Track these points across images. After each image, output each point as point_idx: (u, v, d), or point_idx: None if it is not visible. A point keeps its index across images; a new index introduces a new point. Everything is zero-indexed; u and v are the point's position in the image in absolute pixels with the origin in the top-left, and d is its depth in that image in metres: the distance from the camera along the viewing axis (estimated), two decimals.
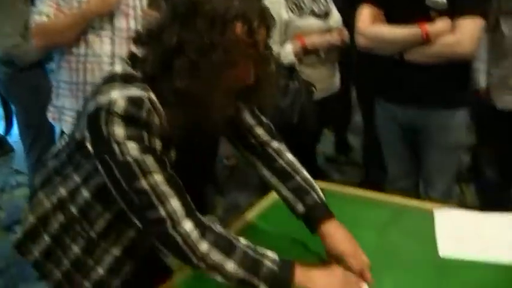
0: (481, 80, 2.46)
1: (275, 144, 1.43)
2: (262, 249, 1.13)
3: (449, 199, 2.47)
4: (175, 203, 1.07)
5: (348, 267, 1.24)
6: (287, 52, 2.54)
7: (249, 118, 1.41)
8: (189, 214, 1.09)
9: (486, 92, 2.45)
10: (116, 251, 1.27)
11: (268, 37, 1.17)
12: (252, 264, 1.09)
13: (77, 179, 1.23)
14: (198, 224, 1.09)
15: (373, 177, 3.32)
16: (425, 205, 1.68)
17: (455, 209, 1.63)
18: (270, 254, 1.13)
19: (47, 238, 1.27)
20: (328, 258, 1.31)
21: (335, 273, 1.19)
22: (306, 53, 2.59)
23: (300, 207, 1.35)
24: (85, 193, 1.22)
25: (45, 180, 1.31)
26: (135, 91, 1.08)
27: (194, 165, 1.30)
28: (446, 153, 2.33)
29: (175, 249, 1.08)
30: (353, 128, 4.65)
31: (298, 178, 1.39)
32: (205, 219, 1.12)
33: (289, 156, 1.43)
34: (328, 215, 1.34)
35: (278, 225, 1.54)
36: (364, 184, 2.98)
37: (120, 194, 1.09)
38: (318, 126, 2.94)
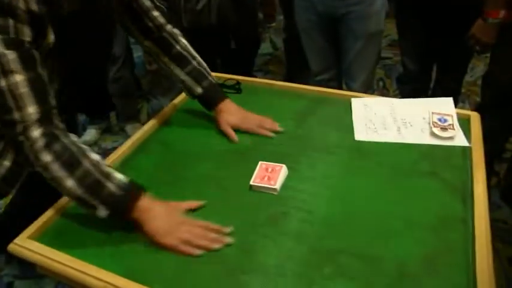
0: None
1: (169, 27, 1.46)
2: (111, 170, 1.08)
3: (370, 90, 2.51)
4: (31, 108, 1.02)
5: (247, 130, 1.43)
6: None
7: (146, 1, 1.40)
8: (42, 121, 1.03)
9: None
10: (6, 163, 1.21)
11: None
12: (92, 184, 1.04)
13: None
14: (47, 133, 1.04)
15: (295, 73, 3.29)
16: (344, 95, 1.67)
17: (372, 97, 1.64)
18: (119, 176, 1.07)
19: None
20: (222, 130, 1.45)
21: (174, 215, 1.10)
22: None
23: (198, 89, 1.46)
24: None
25: None
26: None
27: (83, 52, 1.22)
28: (367, 41, 2.33)
29: (21, 153, 1.05)
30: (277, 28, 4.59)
31: (194, 63, 1.46)
32: (61, 129, 1.08)
33: (183, 40, 1.48)
34: (223, 96, 1.49)
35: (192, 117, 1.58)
36: (287, 80, 2.97)
37: None
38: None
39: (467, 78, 3.61)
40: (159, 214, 1.08)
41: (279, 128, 1.44)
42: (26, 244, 1.08)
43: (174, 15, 2.19)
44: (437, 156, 1.33)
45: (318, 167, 1.29)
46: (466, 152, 1.34)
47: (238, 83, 1.69)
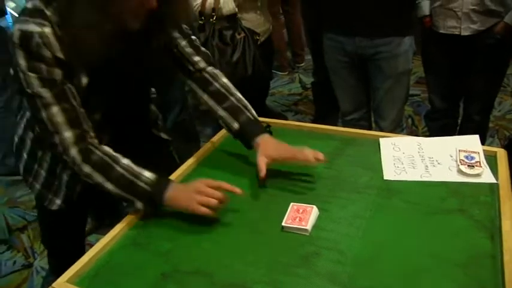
0: (425, 7, 2.49)
1: (211, 69, 1.55)
2: (140, 170, 1.29)
3: (399, 128, 2.55)
4: (67, 133, 1.25)
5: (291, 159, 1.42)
6: (226, 1, 2.40)
7: (187, 48, 1.51)
8: (77, 142, 1.27)
9: (430, 19, 2.48)
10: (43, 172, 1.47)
11: None
12: (127, 184, 1.27)
13: None
14: (83, 150, 1.27)
15: (324, 117, 3.34)
16: (373, 135, 1.72)
17: (400, 136, 1.68)
18: (147, 174, 1.29)
19: (25, 155, 1.49)
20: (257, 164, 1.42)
21: (189, 186, 1.30)
22: None
23: (235, 125, 1.49)
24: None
25: (19, 104, 1.47)
26: (30, 26, 1.17)
27: (120, 92, 1.38)
28: (395, 80, 2.38)
29: (68, 167, 1.31)
30: (306, 67, 4.68)
31: (232, 99, 1.51)
32: (95, 144, 1.30)
33: (224, 80, 1.55)
34: (261, 130, 1.48)
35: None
36: (316, 121, 3.02)
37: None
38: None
39: (496, 113, 3.62)
40: (182, 195, 1.28)
41: (321, 157, 1.39)
42: None
43: None
44: (465, 193, 1.35)
45: (348, 207, 1.33)
46: (493, 188, 1.36)
47: (268, 126, 1.75)
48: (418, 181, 1.43)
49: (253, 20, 2.47)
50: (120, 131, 1.42)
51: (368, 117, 2.68)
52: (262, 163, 1.40)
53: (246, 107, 1.51)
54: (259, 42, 2.48)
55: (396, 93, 2.43)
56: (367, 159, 1.55)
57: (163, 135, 1.73)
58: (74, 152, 1.26)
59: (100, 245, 1.25)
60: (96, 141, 1.31)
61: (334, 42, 2.44)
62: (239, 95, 1.53)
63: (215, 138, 1.75)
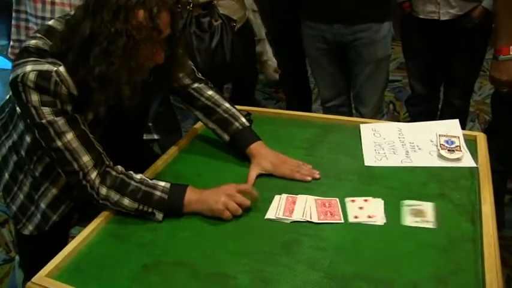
0: None
1: (195, 85, 1.58)
2: (155, 182, 1.31)
3: (380, 114, 2.56)
4: (85, 158, 1.27)
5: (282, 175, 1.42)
6: None
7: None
8: (97, 164, 1.29)
9: (409, 4, 2.47)
10: (54, 190, 1.43)
11: (173, 19, 1.28)
12: (143, 196, 1.28)
13: (21, 125, 1.40)
14: (101, 173, 1.29)
15: (296, 105, 3.23)
16: (354, 121, 1.72)
17: (381, 122, 1.68)
18: (162, 184, 1.31)
19: (6, 175, 1.50)
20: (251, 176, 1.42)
21: (219, 189, 1.30)
22: None
23: (226, 137, 1.53)
24: (28, 138, 1.39)
25: (4, 124, 1.49)
26: (45, 66, 1.21)
27: (124, 121, 1.40)
28: (375, 66, 2.38)
29: (85, 193, 1.29)
30: None
31: (219, 111, 1.55)
32: (110, 165, 1.32)
33: (209, 92, 1.58)
34: (251, 138, 1.50)
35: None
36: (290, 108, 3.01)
37: (44, 150, 1.31)
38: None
39: (476, 97, 3.65)
40: (207, 197, 1.29)
41: (317, 175, 1.41)
42: (44, 282, 1.12)
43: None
44: (446, 178, 1.36)
45: (330, 194, 1.33)
46: (473, 172, 1.37)
47: (249, 113, 1.74)
48: (399, 166, 1.44)
49: (229, 6, 2.43)
50: (116, 146, 1.42)
51: (348, 104, 2.67)
52: (253, 175, 1.43)
53: (233, 117, 1.53)
54: (236, 29, 2.45)
55: (376, 79, 2.43)
56: (347, 146, 1.55)
57: (151, 136, 1.74)
58: (93, 175, 1.28)
59: (80, 238, 1.24)
60: (111, 162, 1.33)
61: (313, 30, 2.42)
62: (226, 104, 1.56)
63: (197, 125, 1.74)
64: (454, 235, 1.14)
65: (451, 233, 1.15)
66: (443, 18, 2.37)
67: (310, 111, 3.11)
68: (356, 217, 1.24)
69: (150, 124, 1.75)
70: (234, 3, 2.46)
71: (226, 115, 1.53)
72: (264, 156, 1.46)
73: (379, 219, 1.22)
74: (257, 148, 1.48)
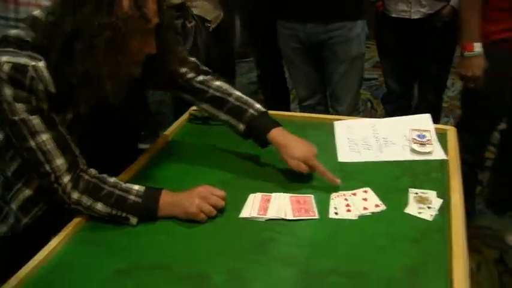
0: None
1: (200, 77, 1.49)
2: (129, 185, 1.27)
3: (356, 111, 2.59)
4: (59, 160, 1.21)
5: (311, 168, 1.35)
6: None
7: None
8: (71, 168, 1.23)
9: (382, 3, 2.51)
10: (27, 191, 1.35)
11: (160, 7, 1.21)
12: (117, 201, 1.24)
13: None
14: (74, 177, 1.24)
15: (274, 105, 3.29)
16: (329, 119, 1.75)
17: (353, 119, 1.70)
18: (136, 187, 1.27)
19: None
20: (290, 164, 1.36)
21: (193, 191, 1.27)
22: None
23: (241, 127, 1.41)
24: (1, 135, 1.34)
25: None
26: (22, 59, 1.14)
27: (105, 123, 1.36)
28: (350, 64, 2.42)
29: (56, 197, 1.24)
30: None
31: (231, 99, 1.43)
32: (85, 169, 1.26)
33: (217, 82, 1.48)
34: (269, 124, 1.40)
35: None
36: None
37: (15, 149, 1.26)
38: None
39: (449, 93, 3.74)
40: (181, 200, 1.26)
41: (338, 182, 1.33)
42: None
43: None
44: (418, 171, 1.39)
45: (304, 192, 1.34)
46: (444, 164, 1.40)
47: None
48: (372, 162, 1.46)
49: (202, 6, 2.44)
50: (101, 146, 1.38)
51: (325, 102, 2.70)
52: (301, 166, 1.34)
53: (246, 103, 1.43)
54: (210, 29, 2.47)
55: (351, 77, 2.46)
56: (322, 143, 1.56)
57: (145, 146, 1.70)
58: (66, 179, 1.22)
59: (51, 246, 1.20)
60: (86, 166, 1.28)
61: (287, 29, 2.45)
62: (237, 93, 1.46)
63: (169, 131, 1.74)
64: (424, 226, 1.17)
65: (422, 224, 1.18)
66: (414, 16, 2.41)
67: (288, 110, 3.14)
68: (365, 208, 1.25)
69: (142, 133, 1.70)
70: (207, 3, 2.47)
71: (238, 103, 1.42)
72: (291, 144, 1.36)
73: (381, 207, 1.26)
74: (279, 134, 1.37)
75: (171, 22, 1.34)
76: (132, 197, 1.25)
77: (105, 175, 1.29)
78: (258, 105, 1.43)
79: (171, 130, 1.74)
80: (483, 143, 2.25)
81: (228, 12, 2.89)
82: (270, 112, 1.49)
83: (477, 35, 1.97)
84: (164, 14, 1.25)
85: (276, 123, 1.40)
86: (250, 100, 1.45)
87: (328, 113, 2.68)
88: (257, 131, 1.40)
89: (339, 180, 1.32)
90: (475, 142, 1.83)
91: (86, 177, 1.26)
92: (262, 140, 1.40)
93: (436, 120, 1.66)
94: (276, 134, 1.37)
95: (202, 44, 2.45)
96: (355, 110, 2.57)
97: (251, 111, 1.41)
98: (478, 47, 1.97)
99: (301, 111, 2.69)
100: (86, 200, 1.24)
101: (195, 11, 2.42)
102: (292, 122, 1.71)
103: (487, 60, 1.98)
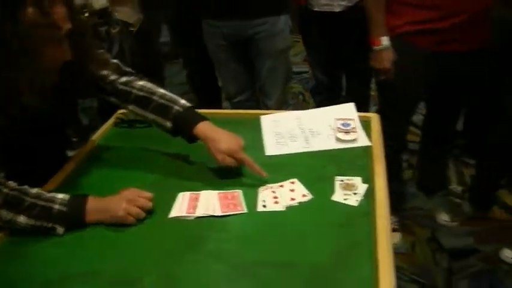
0: None
1: (123, 79, 1.46)
2: (52, 195, 1.23)
3: (285, 105, 2.62)
4: None
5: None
6: None
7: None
8: None
9: None
10: None
11: (71, 11, 1.19)
12: (40, 212, 1.20)
13: None
14: None
15: (206, 103, 3.31)
16: (256, 113, 1.76)
17: (280, 112, 1.72)
18: (60, 196, 1.24)
19: None
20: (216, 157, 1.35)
21: (120, 195, 1.26)
22: None
23: (168, 124, 1.39)
24: None
25: None
26: None
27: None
28: (276, 58, 2.45)
29: None
30: None
31: (155, 98, 1.41)
32: (3, 183, 1.21)
33: (140, 82, 1.45)
34: (195, 118, 1.38)
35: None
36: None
37: None
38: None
39: None
40: (107, 205, 1.24)
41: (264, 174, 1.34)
42: None
43: None
44: (343, 158, 1.42)
45: (232, 187, 1.34)
46: (368, 151, 1.44)
47: None
48: (299, 153, 1.48)
49: (124, 11, 2.42)
50: (24, 156, 1.34)
51: (255, 98, 2.72)
52: (226, 160, 1.33)
53: (171, 101, 1.41)
54: (133, 33, 2.44)
55: (278, 72, 2.49)
56: (250, 138, 1.56)
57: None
58: None
59: None
60: (4, 180, 1.22)
61: (212, 27, 2.45)
62: (161, 91, 1.43)
63: (95, 136, 1.70)
64: (350, 211, 1.20)
65: (347, 209, 1.21)
66: (336, 10, 2.46)
67: (220, 108, 3.14)
68: (292, 199, 1.27)
69: (74, 139, 1.66)
70: (129, 8, 2.44)
71: (163, 101, 1.40)
72: (217, 137, 1.35)
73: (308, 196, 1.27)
74: (205, 128, 1.36)
75: (86, 25, 1.33)
76: (56, 206, 1.21)
77: (26, 186, 1.24)
78: (183, 101, 1.42)
79: (97, 135, 1.70)
80: (401, 130, 2.32)
81: (153, 13, 2.87)
82: (202, 110, 1.49)
83: (383, 29, 2.05)
84: (77, 18, 1.24)
85: (202, 118, 1.39)
86: (175, 97, 1.43)
87: (259, 108, 2.70)
88: (183, 126, 1.38)
89: (265, 174, 1.33)
90: (393, 130, 1.89)
91: (4, 190, 1.20)
92: (189, 135, 1.38)
93: (365, 109, 1.70)
94: (203, 128, 1.36)
95: (128, 49, 2.43)
96: (284, 104, 2.61)
97: (176, 107, 1.39)
98: (385, 41, 2.05)
99: (233, 108, 2.70)
100: (6, 214, 1.19)
101: (118, 16, 2.39)
102: (220, 119, 1.70)
103: (395, 52, 2.05)
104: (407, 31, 1.99)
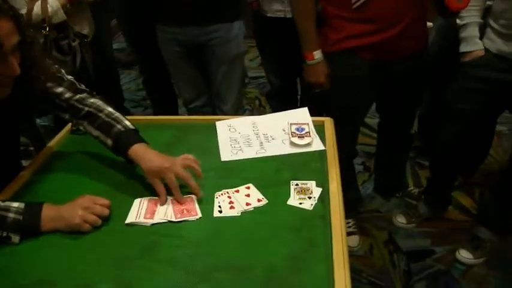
0: None
1: (77, 96, 1.47)
2: (7, 203, 1.22)
3: (241, 110, 2.63)
4: None
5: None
6: (55, 10, 2.24)
7: (48, 83, 1.42)
8: None
9: (256, 3, 2.57)
10: None
11: (18, 25, 1.18)
12: None
13: None
14: None
15: (162, 109, 3.28)
16: (211, 119, 1.75)
17: (235, 118, 1.73)
18: (15, 204, 1.22)
19: None
20: (149, 179, 1.34)
21: (75, 202, 1.25)
22: (72, 2, 2.32)
23: (109, 142, 1.40)
24: None
25: None
26: None
27: None
28: (230, 64, 2.46)
29: None
30: None
31: (102, 115, 1.43)
32: None
33: (91, 99, 1.47)
34: (133, 139, 1.38)
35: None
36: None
37: None
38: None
39: None
40: (63, 213, 1.23)
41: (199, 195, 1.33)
42: None
43: None
44: (297, 163, 1.44)
45: (187, 193, 1.33)
46: (322, 155, 1.46)
47: None
48: (254, 158, 1.49)
49: (79, 23, 2.40)
50: None
51: (211, 104, 2.72)
52: (154, 182, 1.32)
53: (116, 120, 1.42)
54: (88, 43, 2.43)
55: (233, 77, 2.50)
56: (204, 144, 1.58)
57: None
58: None
59: None
60: None
61: (167, 34, 2.44)
62: (109, 109, 1.45)
63: (52, 142, 1.67)
64: (305, 215, 1.21)
65: (302, 213, 1.22)
66: (289, 15, 2.47)
67: (177, 115, 3.13)
68: (248, 204, 1.27)
69: (31, 148, 1.63)
70: (84, 19, 2.43)
71: (108, 119, 1.42)
72: (150, 160, 1.33)
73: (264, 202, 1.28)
74: (140, 151, 1.35)
75: (35, 38, 1.33)
76: (11, 215, 1.19)
77: None
78: (127, 122, 1.43)
79: (53, 142, 1.67)
80: (349, 137, 2.32)
81: (101, 20, 2.83)
82: (157, 117, 1.46)
83: (315, 43, 2.03)
84: (26, 32, 1.23)
85: (140, 140, 1.39)
86: (121, 117, 1.44)
87: (215, 114, 2.70)
88: (121, 147, 1.38)
89: (200, 194, 1.32)
90: (341, 137, 1.91)
91: None
92: (125, 156, 1.38)
93: (321, 113, 1.72)
94: (136, 150, 1.35)
95: (89, 60, 2.43)
96: (240, 109, 2.62)
97: (118, 126, 1.40)
98: (317, 55, 2.03)
99: (189, 114, 2.69)
100: None
101: (76, 28, 2.37)
102: (175, 125, 1.71)
103: (333, 66, 2.06)
104: (347, 45, 1.98)
